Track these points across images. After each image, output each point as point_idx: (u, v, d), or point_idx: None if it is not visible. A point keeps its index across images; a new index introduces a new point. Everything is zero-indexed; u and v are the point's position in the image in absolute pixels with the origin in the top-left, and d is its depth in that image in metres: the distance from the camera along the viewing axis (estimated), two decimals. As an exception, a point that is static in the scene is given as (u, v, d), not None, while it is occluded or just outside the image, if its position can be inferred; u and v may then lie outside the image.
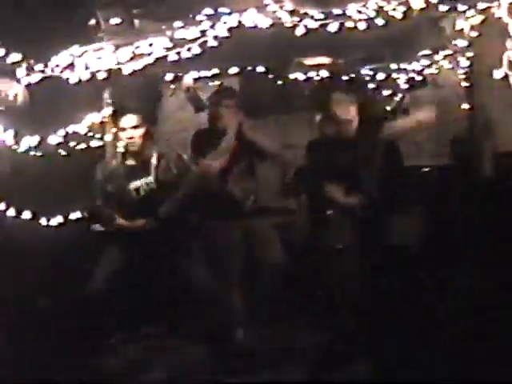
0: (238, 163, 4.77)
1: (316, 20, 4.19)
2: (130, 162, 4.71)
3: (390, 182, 4.44)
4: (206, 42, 4.11)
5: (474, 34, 4.73)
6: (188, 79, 5.44)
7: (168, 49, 4.28)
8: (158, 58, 4.35)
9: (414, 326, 3.89)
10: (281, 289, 4.70)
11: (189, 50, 4.17)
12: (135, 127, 4.66)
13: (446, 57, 5.26)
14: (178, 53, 4.14)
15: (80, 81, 4.19)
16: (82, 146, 4.83)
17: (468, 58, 5.15)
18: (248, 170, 4.83)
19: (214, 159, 4.72)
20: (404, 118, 5.19)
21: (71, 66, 4.31)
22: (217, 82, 5.58)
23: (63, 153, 4.66)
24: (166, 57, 4.20)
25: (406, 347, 3.66)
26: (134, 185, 4.64)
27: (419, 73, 5.66)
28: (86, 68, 4.36)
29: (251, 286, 4.73)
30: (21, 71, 4.16)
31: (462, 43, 4.89)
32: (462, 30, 4.79)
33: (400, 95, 5.97)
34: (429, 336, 3.73)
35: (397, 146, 4.69)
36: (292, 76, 5.75)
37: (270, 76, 5.59)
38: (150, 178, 4.65)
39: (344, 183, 4.56)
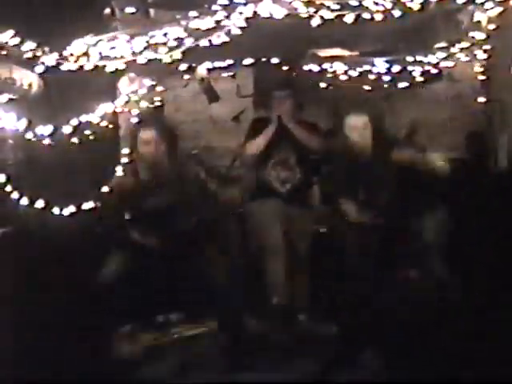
0: (277, 152, 4.79)
1: (332, 11, 4.17)
2: (145, 175, 4.67)
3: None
4: (229, 30, 4.09)
5: (492, 26, 4.68)
6: (202, 70, 5.40)
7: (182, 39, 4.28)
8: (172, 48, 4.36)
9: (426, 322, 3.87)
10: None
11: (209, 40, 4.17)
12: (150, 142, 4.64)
13: (462, 49, 5.19)
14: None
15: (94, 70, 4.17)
16: (96, 135, 4.80)
17: (485, 51, 5.10)
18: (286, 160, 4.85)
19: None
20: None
21: (85, 55, 4.32)
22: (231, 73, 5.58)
23: (76, 142, 4.63)
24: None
25: (414, 341, 3.64)
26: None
27: (435, 66, 5.60)
28: (101, 57, 4.37)
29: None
30: (35, 60, 4.16)
31: (479, 36, 4.83)
32: (480, 22, 4.75)
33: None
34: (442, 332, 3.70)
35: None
36: (306, 67, 5.71)
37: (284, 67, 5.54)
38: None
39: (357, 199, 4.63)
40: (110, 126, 5.08)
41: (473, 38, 4.91)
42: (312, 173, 5.03)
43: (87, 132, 4.71)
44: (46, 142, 4.31)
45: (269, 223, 4.70)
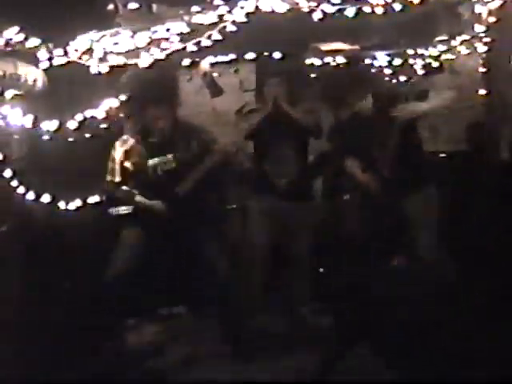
0: (275, 142, 4.79)
1: (333, 5, 4.19)
2: (150, 139, 4.67)
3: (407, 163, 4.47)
4: (224, 27, 4.11)
5: (492, 19, 4.71)
6: (205, 64, 5.45)
7: (185, 34, 4.31)
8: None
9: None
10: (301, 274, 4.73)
11: (209, 37, 4.19)
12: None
13: (463, 42, 5.22)
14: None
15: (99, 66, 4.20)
16: (101, 129, 4.83)
17: (485, 44, 5.12)
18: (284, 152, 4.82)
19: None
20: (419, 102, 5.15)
21: (89, 50, 4.35)
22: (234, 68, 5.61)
23: (81, 137, 4.67)
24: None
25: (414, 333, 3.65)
26: (151, 162, 4.60)
27: (436, 58, 5.63)
28: (104, 53, 4.40)
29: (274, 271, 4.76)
30: (40, 56, 4.19)
31: (479, 28, 4.86)
32: (480, 14, 4.77)
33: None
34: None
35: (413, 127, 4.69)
36: (308, 61, 5.74)
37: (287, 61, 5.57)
38: (169, 157, 4.60)
39: (362, 162, 4.61)
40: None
41: (473, 30, 4.93)
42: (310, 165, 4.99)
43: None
44: (51, 137, 4.35)
45: (260, 223, 4.69)
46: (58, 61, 4.22)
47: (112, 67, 4.30)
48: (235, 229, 5.28)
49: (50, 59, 4.22)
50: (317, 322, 4.62)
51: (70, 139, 4.52)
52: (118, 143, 4.71)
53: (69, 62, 4.35)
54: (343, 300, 4.23)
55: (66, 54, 4.31)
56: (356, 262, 4.56)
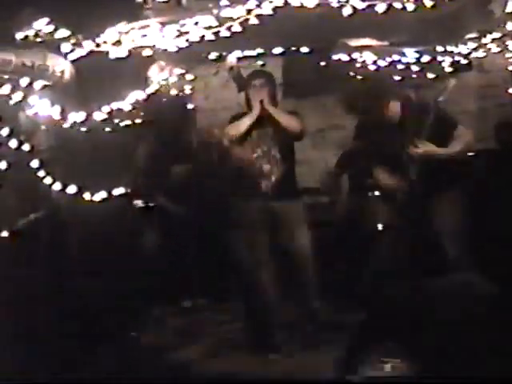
0: (261, 143, 4.76)
1: (363, 0, 4.15)
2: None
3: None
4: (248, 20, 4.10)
5: (525, 17, 4.65)
6: (232, 58, 5.43)
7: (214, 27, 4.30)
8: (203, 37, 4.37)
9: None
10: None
11: (229, 28, 4.17)
12: None
13: (493, 40, 5.15)
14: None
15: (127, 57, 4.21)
16: (127, 122, 4.85)
17: (517, 42, 5.06)
18: (269, 151, 4.79)
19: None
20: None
21: (118, 42, 4.36)
22: (260, 62, 5.59)
23: (108, 129, 4.69)
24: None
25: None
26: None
27: (465, 56, 5.57)
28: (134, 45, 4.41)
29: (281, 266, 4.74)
30: (68, 47, 4.20)
31: (511, 26, 4.79)
32: (512, 13, 4.71)
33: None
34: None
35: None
36: (336, 57, 5.70)
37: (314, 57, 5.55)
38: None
39: (388, 166, 4.58)
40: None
41: (505, 28, 4.87)
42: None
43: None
44: (78, 128, 4.37)
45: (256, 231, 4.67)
46: (86, 52, 4.25)
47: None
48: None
49: (79, 51, 4.25)
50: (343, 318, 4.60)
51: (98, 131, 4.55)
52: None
53: (94, 53, 4.38)
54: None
55: (94, 45, 4.33)
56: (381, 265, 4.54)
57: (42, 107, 4.17)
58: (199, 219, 4.83)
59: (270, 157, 4.74)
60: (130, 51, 4.29)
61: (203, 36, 4.24)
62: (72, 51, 4.28)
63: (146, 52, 4.46)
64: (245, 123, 4.80)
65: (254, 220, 4.63)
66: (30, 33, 4.10)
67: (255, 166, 4.69)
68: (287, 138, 4.80)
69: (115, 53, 4.25)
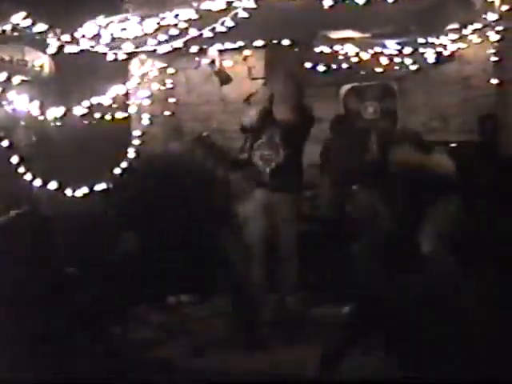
0: (264, 131, 4.74)
1: (344, -8, 4.15)
2: None
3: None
4: (236, 14, 4.08)
5: (505, 7, 4.65)
6: (213, 52, 5.39)
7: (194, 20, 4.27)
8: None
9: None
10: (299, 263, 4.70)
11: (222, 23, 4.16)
12: None
13: (474, 31, 5.15)
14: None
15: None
16: (107, 117, 4.80)
17: (498, 32, 5.06)
18: (271, 140, 4.76)
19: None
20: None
21: (97, 36, 4.32)
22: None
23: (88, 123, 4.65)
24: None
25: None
26: None
27: (447, 47, 5.57)
28: (112, 39, 4.37)
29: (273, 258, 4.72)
30: (47, 41, 4.17)
31: (492, 17, 4.80)
32: (493, 2, 4.71)
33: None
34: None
35: None
36: (317, 49, 5.69)
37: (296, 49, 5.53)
38: None
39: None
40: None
41: (485, 19, 4.87)
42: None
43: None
44: (58, 123, 4.34)
45: (252, 219, 4.65)
46: (66, 47, 4.21)
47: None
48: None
49: (58, 45, 4.21)
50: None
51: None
52: None
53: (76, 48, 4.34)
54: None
55: (73, 39, 4.30)
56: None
57: (20, 102, 4.13)
58: (185, 213, 4.78)
59: (273, 144, 4.72)
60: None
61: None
62: (51, 45, 4.24)
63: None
64: (255, 112, 4.71)
65: (249, 209, 4.63)
66: (7, 27, 4.06)
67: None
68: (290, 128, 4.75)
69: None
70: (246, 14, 4.14)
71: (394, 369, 3.19)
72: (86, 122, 4.63)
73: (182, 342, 4.31)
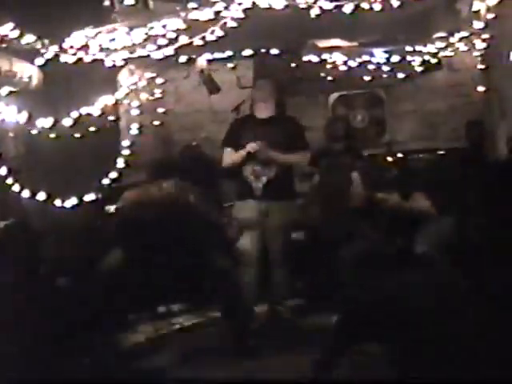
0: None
1: (331, 1, 4.16)
2: None
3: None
4: (225, 23, 4.10)
5: (491, 15, 4.68)
6: (202, 61, 5.41)
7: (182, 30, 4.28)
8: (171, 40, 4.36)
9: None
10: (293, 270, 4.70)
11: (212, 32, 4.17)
12: None
13: (461, 39, 5.19)
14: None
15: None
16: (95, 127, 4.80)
17: (484, 40, 5.10)
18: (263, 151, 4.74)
19: None
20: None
21: (85, 47, 4.32)
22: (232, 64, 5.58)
23: (77, 134, 4.64)
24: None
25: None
26: None
27: (434, 55, 5.61)
28: (100, 49, 4.38)
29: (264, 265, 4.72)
30: (35, 52, 4.16)
31: (478, 25, 4.83)
32: (479, 11, 4.74)
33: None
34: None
35: None
36: (306, 58, 5.71)
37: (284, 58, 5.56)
38: None
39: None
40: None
41: (471, 27, 4.90)
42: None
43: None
44: (46, 134, 4.33)
45: (243, 227, 4.63)
46: (54, 57, 4.21)
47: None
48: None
49: (46, 56, 4.20)
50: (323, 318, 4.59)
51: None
52: None
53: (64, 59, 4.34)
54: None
55: (61, 50, 4.30)
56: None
57: (9, 114, 4.12)
58: (175, 221, 4.77)
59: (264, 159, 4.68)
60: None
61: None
62: (39, 56, 4.24)
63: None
64: (238, 157, 4.64)
65: (242, 219, 4.61)
66: (-5, 38, 4.06)
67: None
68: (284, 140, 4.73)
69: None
70: (234, 24, 4.15)
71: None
72: (74, 132, 4.62)
73: (173, 351, 4.31)
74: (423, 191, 4.66)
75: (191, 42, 4.29)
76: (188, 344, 4.44)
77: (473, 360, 2.95)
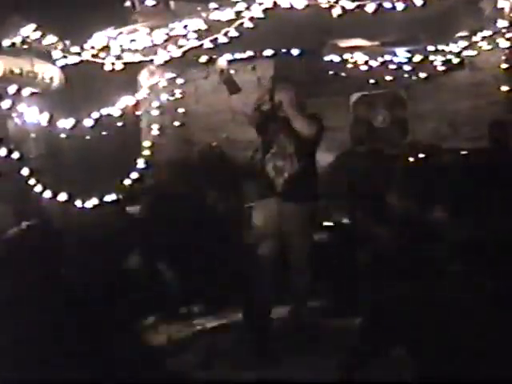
0: (276, 142, 4.70)
1: (353, 0, 4.13)
2: None
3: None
4: (242, 24, 4.08)
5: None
6: (222, 61, 5.39)
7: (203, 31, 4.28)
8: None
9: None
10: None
11: (225, 34, 4.15)
12: None
13: (484, 38, 5.13)
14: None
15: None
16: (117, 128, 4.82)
17: (508, 39, 5.03)
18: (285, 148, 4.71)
19: None
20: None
21: (106, 48, 4.33)
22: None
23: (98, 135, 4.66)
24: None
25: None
26: None
27: (457, 55, 5.55)
28: (121, 50, 4.38)
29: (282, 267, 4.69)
30: (57, 53, 4.17)
31: (502, 24, 4.77)
32: (503, 9, 4.69)
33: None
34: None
35: None
36: (327, 58, 5.68)
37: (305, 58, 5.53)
38: None
39: None
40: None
41: (495, 25, 4.85)
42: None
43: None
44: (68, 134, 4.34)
45: (263, 228, 4.59)
46: (75, 59, 4.22)
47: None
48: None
49: (67, 57, 4.22)
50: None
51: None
52: None
53: (86, 60, 4.35)
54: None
55: (82, 51, 4.31)
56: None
57: (30, 115, 4.14)
58: (200, 223, 4.77)
59: (286, 154, 4.63)
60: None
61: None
62: (61, 57, 4.26)
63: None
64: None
65: (262, 220, 4.58)
66: (17, 40, 4.08)
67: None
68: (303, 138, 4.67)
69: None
70: (251, 25, 4.14)
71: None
72: (95, 132, 4.63)
73: (193, 353, 4.30)
74: (445, 192, 4.62)
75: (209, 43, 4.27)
76: (210, 346, 4.43)
77: (500, 361, 2.93)
